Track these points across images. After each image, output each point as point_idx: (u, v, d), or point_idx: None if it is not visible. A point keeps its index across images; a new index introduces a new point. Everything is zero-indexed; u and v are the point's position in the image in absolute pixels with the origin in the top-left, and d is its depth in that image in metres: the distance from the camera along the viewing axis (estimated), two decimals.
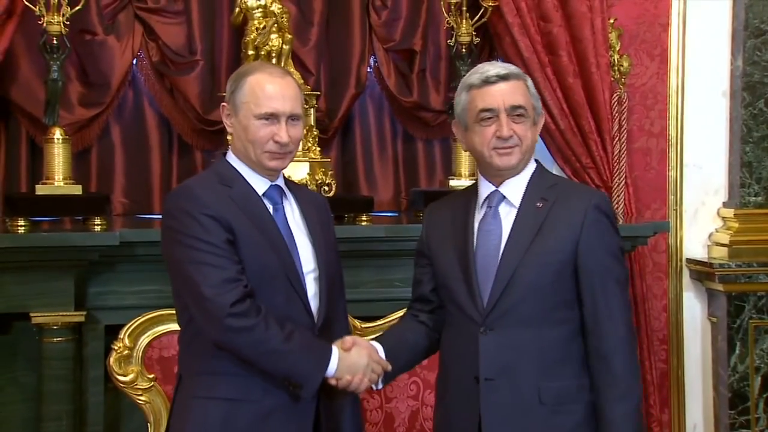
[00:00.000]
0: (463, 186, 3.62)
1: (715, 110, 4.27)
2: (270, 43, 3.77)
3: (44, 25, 3.49)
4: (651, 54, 4.21)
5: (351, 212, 3.79)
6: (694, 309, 4.30)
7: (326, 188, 3.72)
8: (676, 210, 4.26)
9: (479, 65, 2.52)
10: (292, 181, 2.71)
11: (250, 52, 3.77)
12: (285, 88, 2.44)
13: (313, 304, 2.44)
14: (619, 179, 4.03)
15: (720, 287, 4.09)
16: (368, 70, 4.21)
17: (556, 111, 3.90)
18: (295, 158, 3.60)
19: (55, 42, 3.50)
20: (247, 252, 2.35)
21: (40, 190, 3.53)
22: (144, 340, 3.28)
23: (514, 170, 2.46)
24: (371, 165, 4.26)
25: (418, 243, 2.65)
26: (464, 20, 3.92)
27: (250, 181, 2.45)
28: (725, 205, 4.28)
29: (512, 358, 2.38)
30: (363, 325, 3.39)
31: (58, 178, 3.53)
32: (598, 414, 2.39)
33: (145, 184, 4.02)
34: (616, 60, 4.05)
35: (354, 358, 2.42)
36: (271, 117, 2.41)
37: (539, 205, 2.44)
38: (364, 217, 3.76)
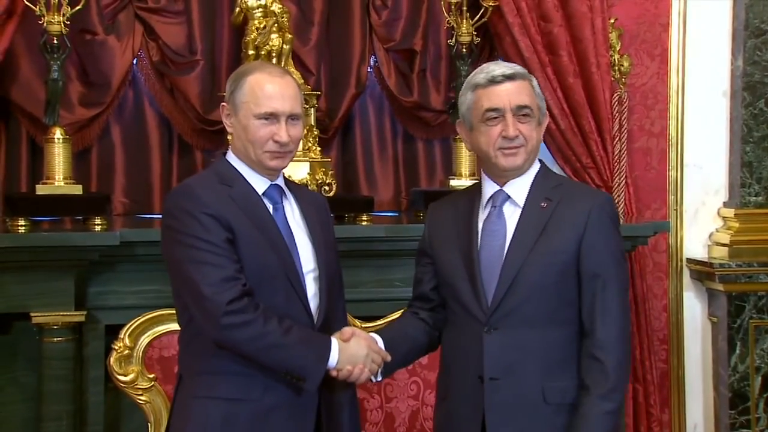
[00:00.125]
0: (463, 186, 3.63)
1: (715, 110, 4.27)
2: (270, 43, 3.77)
3: (44, 24, 3.49)
4: (651, 54, 4.21)
5: (351, 212, 3.80)
6: (694, 309, 4.30)
7: (326, 188, 3.72)
8: (676, 210, 4.26)
9: (484, 65, 2.52)
10: (292, 181, 2.71)
11: (251, 52, 3.77)
12: (284, 87, 2.44)
13: (313, 303, 2.45)
14: (620, 179, 4.03)
15: (720, 287, 4.09)
16: (368, 69, 4.21)
17: (556, 111, 3.91)
18: (296, 158, 3.61)
19: (55, 42, 3.50)
20: (247, 251, 2.35)
21: (41, 189, 3.53)
22: (144, 339, 3.28)
23: (519, 170, 2.46)
24: (371, 165, 4.25)
25: (420, 242, 2.65)
26: (464, 20, 3.92)
27: (250, 181, 2.45)
28: (725, 205, 4.28)
29: (516, 357, 2.38)
30: (363, 325, 3.39)
31: (59, 178, 3.53)
32: (577, 408, 2.36)
33: (146, 184, 4.02)
34: (616, 60, 4.05)
35: (354, 349, 2.42)
36: (271, 117, 2.41)
37: (543, 205, 2.44)
38: (364, 217, 3.76)
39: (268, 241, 2.38)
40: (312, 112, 3.85)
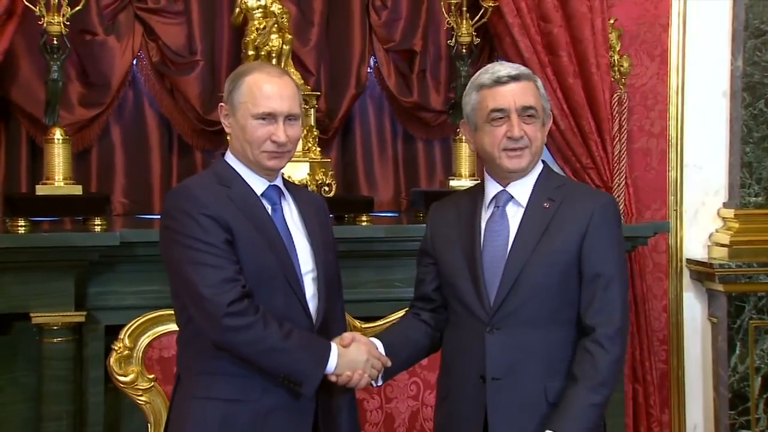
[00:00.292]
0: (463, 186, 3.63)
1: (715, 111, 4.27)
2: (270, 44, 3.77)
3: (44, 25, 3.49)
4: (651, 54, 4.22)
5: (351, 212, 3.79)
6: (694, 309, 4.30)
7: (326, 188, 3.72)
8: (676, 210, 4.27)
9: (489, 65, 2.52)
10: (291, 182, 2.71)
11: (251, 53, 3.77)
12: (282, 87, 2.43)
13: (312, 304, 2.44)
14: (620, 179, 4.04)
15: (720, 287, 4.09)
16: (368, 70, 4.21)
17: (556, 111, 3.90)
18: (296, 158, 3.64)
19: (55, 42, 3.50)
20: (246, 252, 2.35)
21: (41, 190, 3.53)
22: (144, 340, 3.28)
23: (524, 172, 2.47)
24: (371, 165, 4.25)
25: (421, 242, 2.65)
26: (464, 21, 3.92)
27: (248, 182, 2.45)
28: (725, 205, 4.28)
29: (519, 357, 2.38)
30: (363, 326, 3.39)
31: (59, 179, 3.53)
32: (563, 396, 2.35)
33: (146, 185, 4.02)
34: (616, 60, 4.05)
35: (353, 354, 2.42)
36: (269, 117, 2.41)
37: (546, 205, 2.44)
38: (364, 218, 3.76)
39: (266, 242, 2.38)
40: (312, 112, 3.85)
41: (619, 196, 3.99)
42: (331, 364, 2.38)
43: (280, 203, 2.49)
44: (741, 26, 4.17)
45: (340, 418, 2.52)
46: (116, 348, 3.26)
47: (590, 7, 3.96)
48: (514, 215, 2.46)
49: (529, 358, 2.38)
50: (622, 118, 4.08)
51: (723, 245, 4.19)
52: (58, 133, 3.55)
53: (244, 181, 2.45)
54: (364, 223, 3.73)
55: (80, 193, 3.57)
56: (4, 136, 3.91)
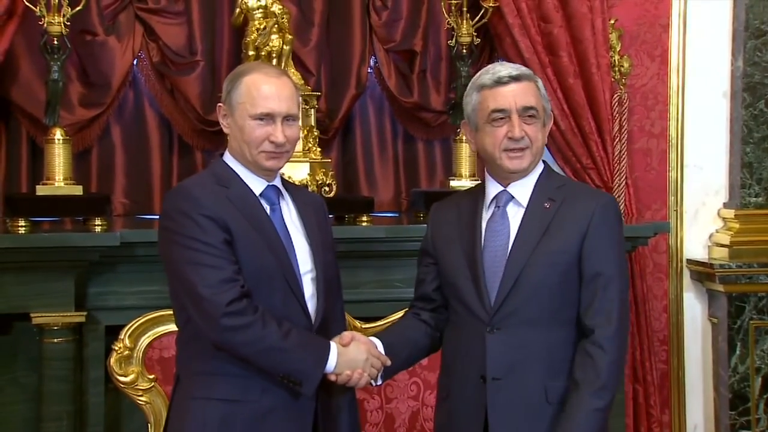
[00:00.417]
0: (463, 186, 3.63)
1: (715, 111, 4.27)
2: (270, 44, 3.77)
3: (45, 25, 3.49)
4: (651, 55, 4.21)
5: (351, 213, 3.79)
6: (694, 310, 4.30)
7: (327, 189, 3.72)
8: (676, 211, 4.26)
9: (490, 66, 2.52)
10: (289, 182, 2.71)
11: (251, 53, 3.77)
12: (281, 88, 2.43)
13: (311, 304, 2.44)
14: (620, 180, 4.04)
15: (720, 288, 4.09)
16: (369, 70, 4.21)
17: (556, 112, 3.90)
18: (296, 159, 3.64)
19: (55, 42, 3.50)
20: (245, 252, 2.35)
21: (41, 190, 3.53)
22: (144, 340, 3.28)
23: (524, 172, 2.47)
24: (372, 165, 4.25)
25: (422, 242, 2.65)
26: (465, 21, 3.92)
27: (247, 182, 2.45)
28: (726, 205, 4.28)
29: (519, 357, 2.38)
30: (363, 326, 3.39)
31: (59, 179, 3.53)
32: (566, 402, 2.35)
33: (146, 185, 4.02)
34: (616, 61, 4.05)
35: (353, 354, 2.42)
36: (267, 117, 2.41)
37: (547, 205, 2.45)
38: (364, 218, 3.76)
39: (265, 242, 2.38)
40: (312, 112, 3.85)
41: (619, 197, 3.99)
42: (331, 363, 2.38)
43: (279, 203, 2.48)
44: (741, 26, 4.17)
45: (340, 418, 2.52)
46: (116, 348, 3.26)
47: (590, 8, 3.96)
48: (515, 215, 2.46)
49: (529, 358, 2.38)
50: (623, 119, 4.08)
51: (723, 245, 4.19)
52: (58, 134, 3.55)
53: (243, 181, 2.45)
54: (364, 224, 3.73)
55: (80, 193, 3.57)
56: (5, 136, 3.91)
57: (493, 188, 2.50)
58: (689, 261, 4.26)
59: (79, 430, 3.46)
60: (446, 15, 3.96)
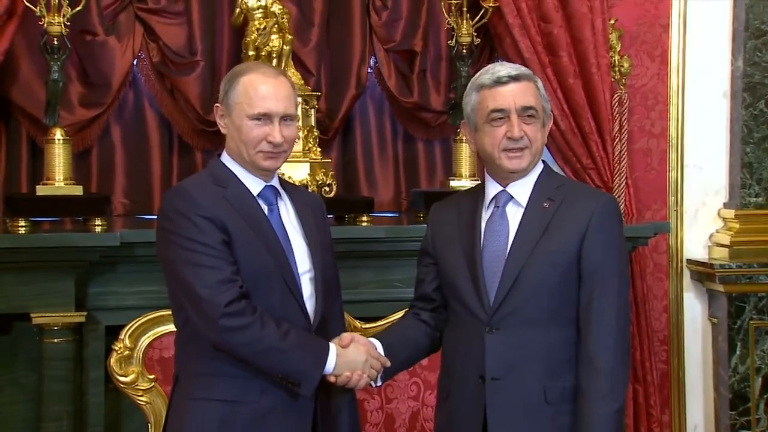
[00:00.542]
0: (464, 186, 3.63)
1: (715, 111, 4.27)
2: (270, 44, 3.77)
3: (45, 25, 3.49)
4: (651, 55, 4.21)
5: (351, 213, 3.79)
6: (694, 310, 4.30)
7: (327, 189, 3.72)
8: (676, 211, 4.26)
9: (489, 66, 2.52)
10: (287, 182, 2.71)
11: (251, 53, 3.77)
12: (278, 88, 2.43)
13: (309, 304, 2.44)
14: (620, 180, 4.04)
15: (720, 288, 4.09)
16: (369, 70, 4.21)
17: (556, 112, 3.90)
18: (296, 159, 3.65)
19: (55, 42, 3.50)
20: (243, 253, 2.35)
21: (41, 190, 3.53)
22: (144, 340, 3.28)
23: (524, 172, 2.47)
24: (372, 165, 4.25)
25: (422, 242, 2.65)
26: (465, 21, 3.92)
27: (244, 182, 2.45)
28: (726, 205, 4.28)
29: (518, 357, 2.38)
30: (363, 326, 3.39)
31: (59, 179, 3.53)
32: (578, 413, 2.36)
33: (146, 185, 4.02)
34: (616, 61, 4.05)
35: (352, 355, 2.42)
36: (264, 117, 2.40)
37: (546, 205, 2.45)
38: (364, 218, 3.75)
39: (263, 243, 2.38)
40: (312, 112, 3.85)
41: (619, 197, 3.99)
42: (330, 364, 2.38)
43: (277, 203, 2.48)
44: (741, 27, 4.17)
45: (340, 418, 2.52)
46: (117, 348, 3.26)
47: (590, 8, 3.96)
48: (514, 215, 2.46)
49: (528, 359, 2.38)
50: (623, 119, 4.08)
51: (723, 245, 4.19)
52: (58, 134, 3.55)
53: (240, 181, 2.45)
54: (364, 224, 3.73)
55: (81, 193, 3.57)
56: (5, 136, 3.91)
57: (492, 188, 2.50)
58: (689, 261, 4.26)
59: (79, 430, 3.46)
60: (446, 15, 3.96)
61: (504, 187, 2.48)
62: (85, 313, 3.40)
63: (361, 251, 3.56)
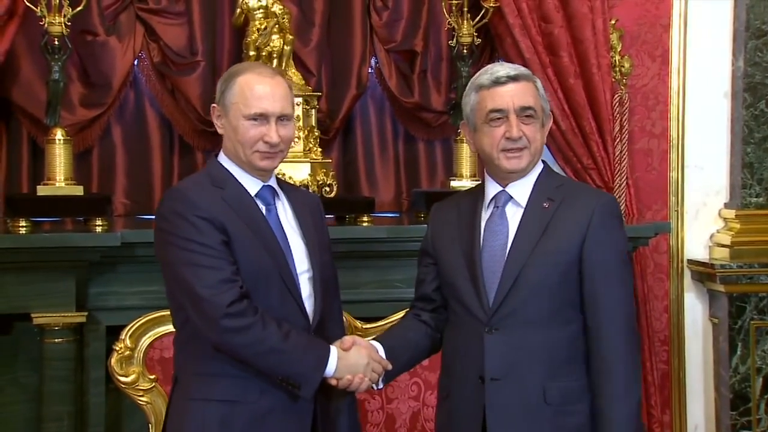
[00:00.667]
0: (464, 187, 3.63)
1: (716, 111, 4.27)
2: (271, 44, 3.77)
3: (45, 25, 3.49)
4: (652, 55, 4.21)
5: (352, 213, 3.79)
6: (695, 310, 4.30)
7: (327, 189, 3.72)
8: (677, 211, 4.26)
9: (488, 66, 2.52)
10: (285, 181, 2.71)
11: (252, 53, 3.77)
12: (274, 87, 2.43)
13: (308, 304, 2.44)
14: (621, 180, 4.03)
15: (721, 288, 4.09)
16: (369, 70, 4.21)
17: (557, 112, 3.90)
18: (297, 159, 3.65)
19: (56, 43, 3.51)
20: (242, 253, 2.35)
21: (42, 190, 3.54)
22: (145, 340, 3.28)
23: (523, 172, 2.46)
24: (372, 166, 4.25)
25: (422, 242, 2.65)
26: (465, 21, 3.92)
27: (242, 182, 2.45)
28: (726, 206, 4.28)
29: (518, 358, 2.38)
30: (364, 326, 3.38)
31: (60, 179, 3.54)
32: (596, 415, 2.38)
33: (147, 185, 4.02)
34: (617, 61, 4.05)
35: (354, 358, 2.42)
36: (261, 117, 2.40)
37: (546, 205, 2.44)
38: (365, 218, 3.75)
39: (261, 243, 2.38)
40: (313, 113, 3.85)
41: (620, 197, 3.99)
42: (331, 367, 2.38)
43: (275, 203, 2.48)
44: (742, 27, 4.17)
45: (340, 420, 2.52)
46: (117, 348, 3.26)
47: (591, 8, 3.95)
48: (514, 215, 2.46)
49: (528, 359, 2.38)
50: (623, 119, 4.08)
51: (724, 246, 4.19)
52: (59, 134, 3.55)
53: (238, 182, 2.45)
54: (365, 224, 3.73)
55: (81, 193, 3.57)
56: (6, 136, 3.92)
57: (492, 188, 2.50)
58: (690, 261, 4.26)
59: (79, 430, 3.46)
60: (447, 15, 3.96)
61: (503, 187, 2.48)
62: (85, 314, 3.40)
63: (361, 251, 3.55)
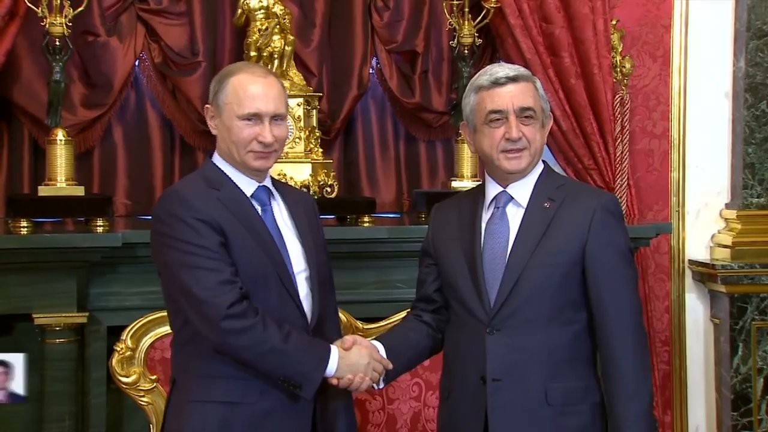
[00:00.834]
0: (465, 187, 3.63)
1: (717, 111, 4.27)
2: (272, 45, 3.77)
3: (47, 26, 3.50)
4: (653, 55, 4.21)
5: (353, 213, 3.79)
6: (696, 310, 4.29)
7: (328, 189, 3.72)
8: (678, 211, 4.26)
9: (488, 66, 2.52)
10: (279, 181, 2.70)
11: (253, 54, 3.78)
12: (267, 87, 2.43)
13: (306, 304, 2.44)
14: (622, 181, 4.04)
15: (722, 288, 4.09)
16: (370, 71, 4.21)
17: (558, 112, 3.90)
18: (298, 159, 3.65)
19: (57, 43, 3.51)
20: (239, 254, 2.35)
21: (43, 191, 3.54)
22: (146, 341, 3.27)
23: (523, 173, 2.46)
24: (373, 166, 4.26)
25: (423, 243, 2.65)
26: (466, 22, 3.92)
27: (237, 183, 2.45)
28: (728, 206, 4.28)
29: (519, 358, 2.38)
30: (365, 327, 3.38)
31: (61, 179, 3.54)
32: (609, 415, 2.38)
33: (148, 185, 4.03)
34: (618, 61, 4.05)
35: (354, 358, 2.42)
36: (254, 117, 2.40)
37: (546, 205, 2.44)
38: (366, 218, 3.75)
39: (259, 243, 2.38)
40: (314, 113, 3.85)
41: (621, 197, 3.99)
42: (331, 366, 2.38)
43: (270, 204, 2.48)
44: (743, 27, 4.17)
45: (338, 421, 2.52)
46: (118, 349, 3.25)
47: (592, 8, 3.96)
48: (514, 216, 2.46)
49: (529, 359, 2.38)
50: (624, 119, 4.08)
51: (725, 246, 4.19)
52: (60, 134, 3.55)
53: (233, 182, 2.45)
54: (366, 224, 3.73)
55: (82, 194, 3.57)
56: (7, 137, 3.92)
57: (492, 189, 2.50)
58: (691, 262, 4.26)
59: (81, 430, 3.47)
60: (448, 16, 3.96)
61: (504, 188, 2.48)
62: (86, 314, 3.40)
63: (362, 252, 3.55)
